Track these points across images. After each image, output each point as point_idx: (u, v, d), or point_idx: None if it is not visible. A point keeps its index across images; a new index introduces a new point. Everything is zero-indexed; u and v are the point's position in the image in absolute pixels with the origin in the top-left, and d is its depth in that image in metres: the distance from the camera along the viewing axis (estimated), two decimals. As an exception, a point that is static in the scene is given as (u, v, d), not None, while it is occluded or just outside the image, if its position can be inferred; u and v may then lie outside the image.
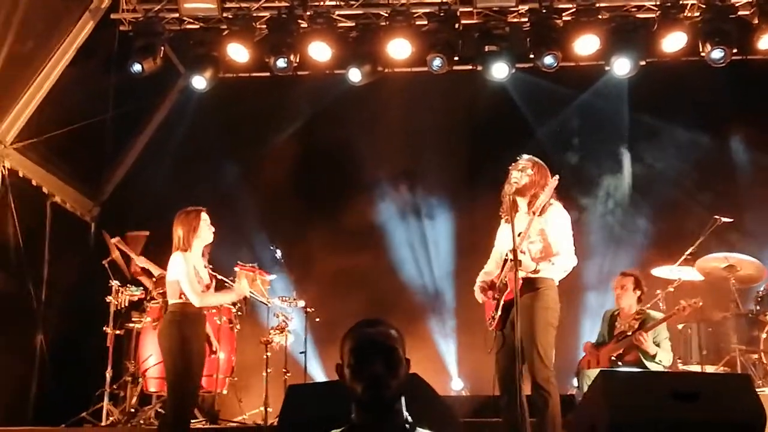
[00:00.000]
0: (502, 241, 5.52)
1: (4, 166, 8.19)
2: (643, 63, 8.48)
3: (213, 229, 6.13)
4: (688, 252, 7.54)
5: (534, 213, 5.25)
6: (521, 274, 5.08)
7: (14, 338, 7.91)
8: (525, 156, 5.50)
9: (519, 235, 5.11)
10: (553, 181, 5.25)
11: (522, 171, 5.36)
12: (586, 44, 8.34)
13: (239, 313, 8.06)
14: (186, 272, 5.88)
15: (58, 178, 9.20)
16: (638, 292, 7.25)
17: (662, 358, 6.88)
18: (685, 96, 9.36)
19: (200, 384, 6.24)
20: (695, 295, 7.14)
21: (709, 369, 7.48)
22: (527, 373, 5.11)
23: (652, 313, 7.17)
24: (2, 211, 8.15)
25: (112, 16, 8.64)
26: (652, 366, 6.89)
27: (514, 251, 4.89)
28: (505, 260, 5.32)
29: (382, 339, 2.73)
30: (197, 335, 5.95)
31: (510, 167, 5.44)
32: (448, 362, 9.76)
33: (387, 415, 2.71)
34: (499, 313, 5.34)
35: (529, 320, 5.11)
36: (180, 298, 5.92)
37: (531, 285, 5.21)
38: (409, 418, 2.76)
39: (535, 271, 5.15)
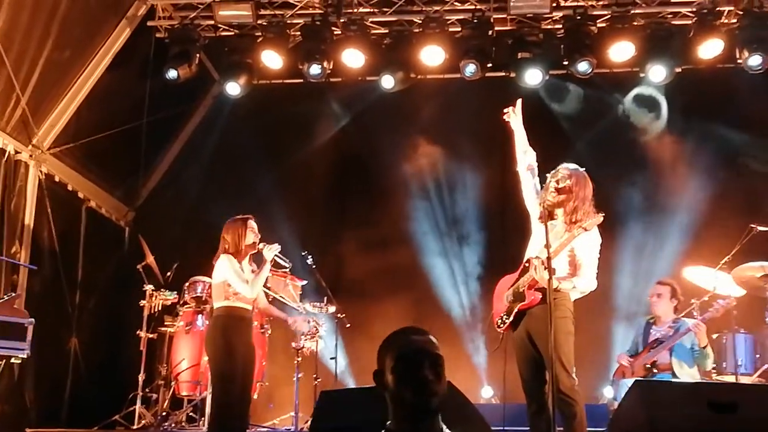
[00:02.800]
0: (531, 245, 5.45)
1: (41, 171, 8.29)
2: (678, 70, 8.41)
3: (258, 237, 6.18)
4: (723, 261, 7.44)
5: (571, 229, 5.16)
6: (541, 282, 5.06)
7: (49, 341, 7.98)
8: (566, 165, 5.39)
9: (546, 245, 5.02)
10: (598, 218, 5.15)
11: (561, 181, 5.26)
12: (621, 51, 8.30)
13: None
14: (234, 271, 5.95)
15: (93, 183, 9.32)
16: (675, 301, 7.27)
17: (709, 352, 6.92)
18: (719, 104, 9.26)
19: (248, 389, 6.14)
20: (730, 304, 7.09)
21: (744, 380, 7.37)
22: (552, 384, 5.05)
23: (687, 321, 7.12)
24: (38, 216, 8.24)
25: (149, 23, 8.76)
26: (684, 375, 6.85)
27: (548, 260, 4.83)
28: (525, 267, 5.27)
29: (431, 347, 2.78)
30: (242, 339, 5.96)
31: (549, 175, 5.36)
32: (478, 369, 9.71)
33: (425, 422, 2.73)
34: (511, 319, 5.32)
35: (548, 330, 5.07)
36: (226, 299, 5.97)
37: (547, 295, 5.16)
38: (444, 427, 2.77)
39: (556, 290, 5.07)
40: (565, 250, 5.17)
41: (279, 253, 6.25)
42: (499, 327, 5.45)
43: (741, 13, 8.07)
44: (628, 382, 6.47)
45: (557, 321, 4.97)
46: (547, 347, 4.80)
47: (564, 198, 5.22)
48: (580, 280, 5.18)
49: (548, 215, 5.14)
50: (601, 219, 5.12)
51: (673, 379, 6.81)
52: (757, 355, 7.68)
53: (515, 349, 5.36)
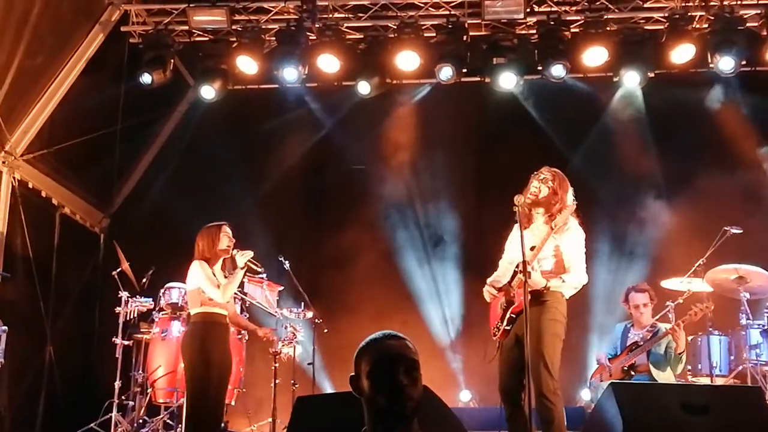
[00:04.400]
0: (514, 250, 5.48)
1: (14, 178, 8.22)
2: (651, 75, 8.49)
3: (232, 242, 6.16)
4: (697, 263, 7.51)
5: (552, 228, 5.22)
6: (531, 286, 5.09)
7: (23, 349, 7.91)
8: (547, 167, 5.47)
9: (532, 249, 5.08)
10: (572, 206, 5.23)
11: (543, 182, 5.35)
12: (594, 56, 8.37)
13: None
14: (205, 276, 5.95)
15: (67, 189, 9.23)
16: (652, 304, 7.30)
17: (683, 358, 6.97)
18: (692, 107, 9.36)
19: (223, 396, 6.15)
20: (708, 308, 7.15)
21: (719, 381, 7.44)
22: (531, 385, 5.08)
23: (663, 325, 7.19)
24: (12, 222, 8.16)
25: (122, 28, 8.72)
26: (660, 377, 6.90)
27: (523, 263, 4.86)
28: (515, 272, 5.32)
29: (406, 351, 2.77)
30: (218, 346, 5.96)
31: (532, 176, 5.42)
32: (456, 373, 9.74)
33: (401, 427, 2.72)
34: (505, 324, 5.34)
35: (537, 332, 5.08)
36: (202, 306, 5.96)
37: (539, 298, 5.19)
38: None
39: (546, 288, 5.14)
40: (550, 248, 5.24)
41: (253, 258, 6.24)
42: (495, 335, 5.48)
43: (712, 18, 8.15)
44: (606, 385, 6.52)
45: (546, 323, 5.08)
46: (531, 348, 4.85)
47: (545, 200, 5.32)
48: (570, 275, 5.24)
49: (528, 217, 5.25)
50: (574, 206, 5.20)
51: (649, 381, 6.86)
52: (732, 357, 7.76)
53: (501, 352, 5.40)
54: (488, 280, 5.65)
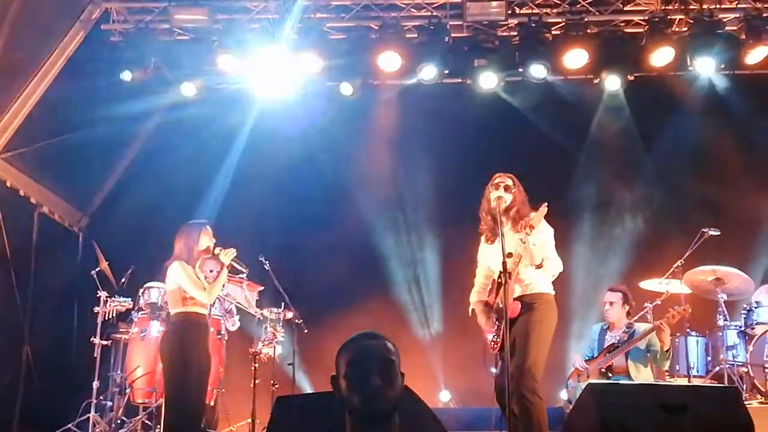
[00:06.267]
0: (491, 261, 5.52)
1: (-9, 177, 8.16)
2: (631, 78, 8.55)
3: (213, 242, 6.16)
4: (676, 265, 7.57)
5: (520, 231, 5.25)
6: (516, 292, 5.24)
7: (0, 349, 7.84)
8: (503, 174, 5.54)
9: (509, 255, 5.10)
10: (543, 209, 5.25)
11: (507, 190, 5.42)
12: (575, 58, 8.41)
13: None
14: (187, 276, 5.93)
15: (46, 188, 9.16)
16: (627, 307, 7.36)
17: (669, 355, 7.04)
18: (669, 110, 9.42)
19: (202, 395, 6.13)
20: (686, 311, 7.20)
21: (696, 382, 7.49)
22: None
23: (640, 326, 7.23)
24: (-11, 222, 8.11)
25: (103, 27, 8.67)
26: (639, 374, 6.95)
27: (503, 264, 4.90)
28: (498, 283, 5.35)
29: (382, 351, 2.74)
30: (198, 345, 5.95)
31: (491, 186, 5.46)
32: (435, 374, 9.75)
33: (381, 427, 2.71)
34: (500, 337, 5.35)
35: (525, 333, 5.17)
36: (183, 305, 5.94)
37: (528, 302, 5.28)
38: (402, 432, 2.76)
39: (540, 266, 5.19)
40: (523, 248, 5.25)
41: (235, 257, 6.24)
42: (493, 349, 5.51)
43: (692, 21, 8.22)
44: (584, 385, 6.55)
45: (533, 324, 5.20)
46: (521, 350, 4.95)
47: (511, 206, 5.41)
48: (547, 264, 5.29)
49: (492, 230, 5.35)
50: (546, 210, 5.22)
51: (627, 381, 6.90)
52: (709, 358, 7.83)
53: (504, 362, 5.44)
54: (472, 299, 5.72)
